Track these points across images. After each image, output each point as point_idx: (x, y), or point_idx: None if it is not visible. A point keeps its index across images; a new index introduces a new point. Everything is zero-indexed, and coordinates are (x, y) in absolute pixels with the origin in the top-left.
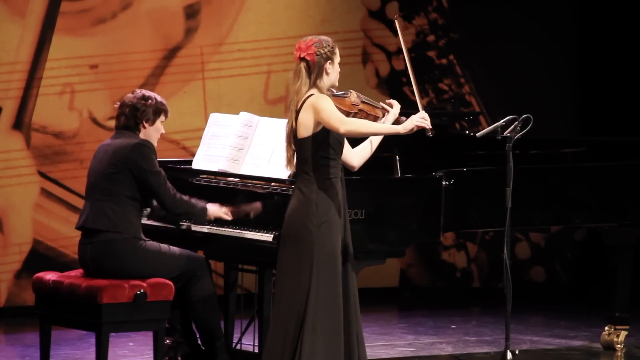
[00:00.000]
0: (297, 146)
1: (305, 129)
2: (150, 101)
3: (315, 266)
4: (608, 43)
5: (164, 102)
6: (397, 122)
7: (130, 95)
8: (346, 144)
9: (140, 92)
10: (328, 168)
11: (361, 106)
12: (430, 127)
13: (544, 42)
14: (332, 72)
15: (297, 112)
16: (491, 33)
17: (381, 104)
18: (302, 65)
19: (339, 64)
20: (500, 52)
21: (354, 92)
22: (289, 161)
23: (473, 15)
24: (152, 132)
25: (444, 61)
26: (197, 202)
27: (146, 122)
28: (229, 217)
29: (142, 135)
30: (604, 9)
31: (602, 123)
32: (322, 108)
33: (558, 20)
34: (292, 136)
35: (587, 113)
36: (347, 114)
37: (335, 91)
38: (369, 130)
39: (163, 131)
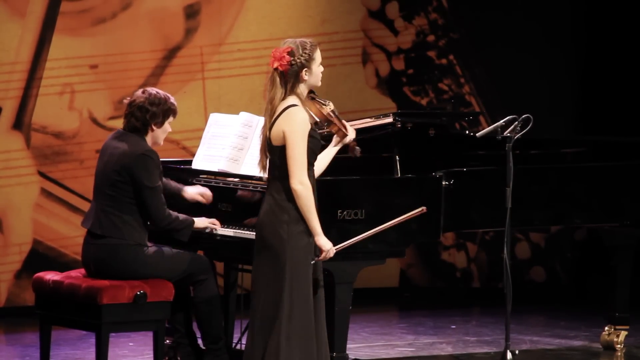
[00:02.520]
0: (271, 152)
1: (281, 139)
2: (161, 105)
3: (288, 274)
4: (608, 43)
5: (174, 101)
6: (352, 148)
7: (140, 94)
8: None
9: (153, 92)
10: None
11: (335, 119)
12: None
13: (544, 42)
14: (310, 78)
15: (274, 121)
16: (491, 33)
17: (344, 122)
18: (276, 74)
19: (322, 64)
20: (500, 52)
21: (331, 103)
22: (264, 168)
23: (473, 15)
24: (160, 134)
25: (444, 61)
26: (185, 219)
27: (155, 125)
28: (217, 227)
29: (149, 137)
30: (604, 9)
31: (602, 123)
32: (292, 142)
33: (558, 19)
34: (267, 144)
35: (587, 113)
36: (322, 121)
37: (316, 94)
38: (305, 211)
39: (170, 130)
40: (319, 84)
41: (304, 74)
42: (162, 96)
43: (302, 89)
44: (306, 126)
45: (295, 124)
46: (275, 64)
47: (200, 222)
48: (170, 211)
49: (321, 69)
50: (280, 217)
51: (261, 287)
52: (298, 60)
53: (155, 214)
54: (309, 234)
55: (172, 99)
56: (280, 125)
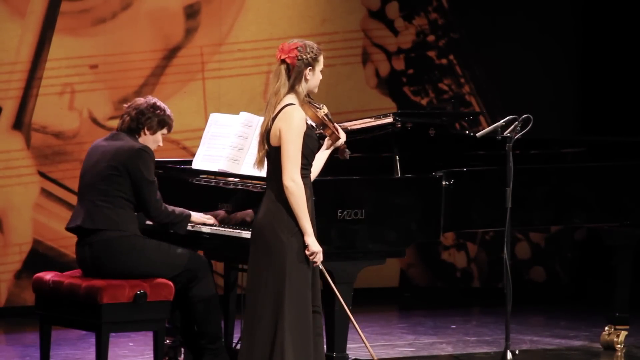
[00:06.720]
0: (270, 150)
1: (278, 139)
2: (158, 111)
3: (288, 274)
4: (608, 43)
5: (172, 116)
6: (342, 151)
7: (141, 99)
8: None
9: (153, 100)
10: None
11: (328, 123)
12: (320, 261)
13: (543, 41)
14: (312, 79)
15: (274, 116)
16: (491, 33)
17: (336, 125)
18: (283, 67)
19: (321, 71)
20: (500, 52)
21: (325, 107)
22: (260, 161)
23: (473, 15)
24: (150, 142)
25: (444, 61)
26: (181, 212)
27: (148, 129)
28: (211, 222)
29: (140, 141)
30: (604, 9)
31: (602, 123)
32: (286, 139)
33: (558, 19)
34: (266, 137)
35: (587, 113)
36: (317, 124)
37: (311, 98)
38: (296, 209)
39: (161, 144)
40: (316, 90)
41: (308, 73)
42: (162, 106)
43: (302, 89)
44: (302, 125)
45: (291, 122)
46: (283, 56)
47: (197, 216)
48: (167, 205)
49: (321, 76)
50: (279, 217)
51: (259, 287)
52: (305, 57)
53: (154, 207)
54: None
55: (170, 113)
56: (277, 125)
